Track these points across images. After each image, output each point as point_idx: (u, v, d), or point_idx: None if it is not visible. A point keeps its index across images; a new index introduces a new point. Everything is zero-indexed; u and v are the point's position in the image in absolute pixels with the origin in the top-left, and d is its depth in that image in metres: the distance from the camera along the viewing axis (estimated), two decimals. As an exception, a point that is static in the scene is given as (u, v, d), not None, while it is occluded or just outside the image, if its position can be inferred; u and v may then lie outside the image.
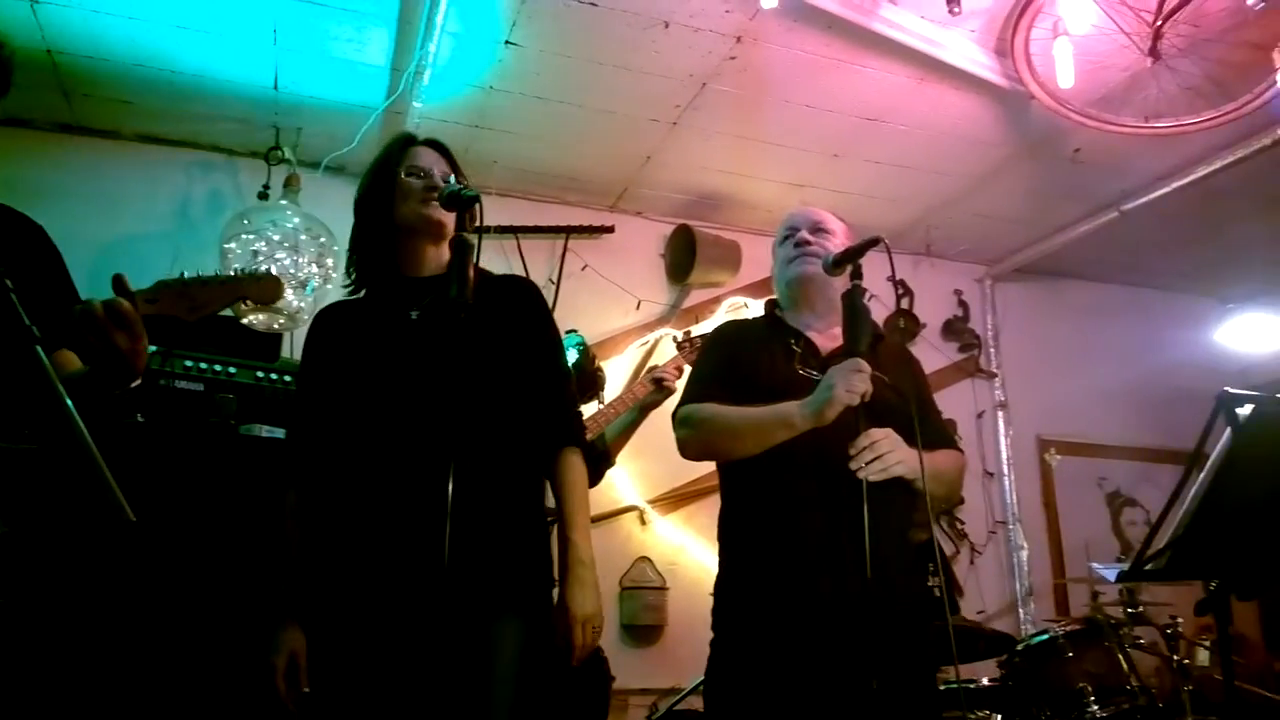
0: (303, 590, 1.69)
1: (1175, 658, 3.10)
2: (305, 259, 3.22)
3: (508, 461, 1.74)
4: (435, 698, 1.51)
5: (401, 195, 1.83)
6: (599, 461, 2.90)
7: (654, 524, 3.94)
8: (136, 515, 1.09)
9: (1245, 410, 1.33)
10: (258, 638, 1.67)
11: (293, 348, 3.36)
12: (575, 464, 1.82)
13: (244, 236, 3.22)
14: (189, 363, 2.70)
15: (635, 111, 3.43)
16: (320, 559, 1.69)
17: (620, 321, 4.09)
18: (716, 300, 4.24)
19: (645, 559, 3.87)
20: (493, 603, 1.64)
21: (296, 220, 3.29)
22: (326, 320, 1.90)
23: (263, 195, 3.46)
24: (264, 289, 1.50)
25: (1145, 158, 3.67)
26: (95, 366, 1.41)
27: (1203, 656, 3.74)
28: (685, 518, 3.95)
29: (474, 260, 1.80)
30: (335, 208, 3.54)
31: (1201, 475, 1.38)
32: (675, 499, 3.91)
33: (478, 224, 1.93)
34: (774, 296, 2.19)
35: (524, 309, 1.91)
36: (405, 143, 1.92)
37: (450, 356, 1.61)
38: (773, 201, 4.05)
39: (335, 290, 3.37)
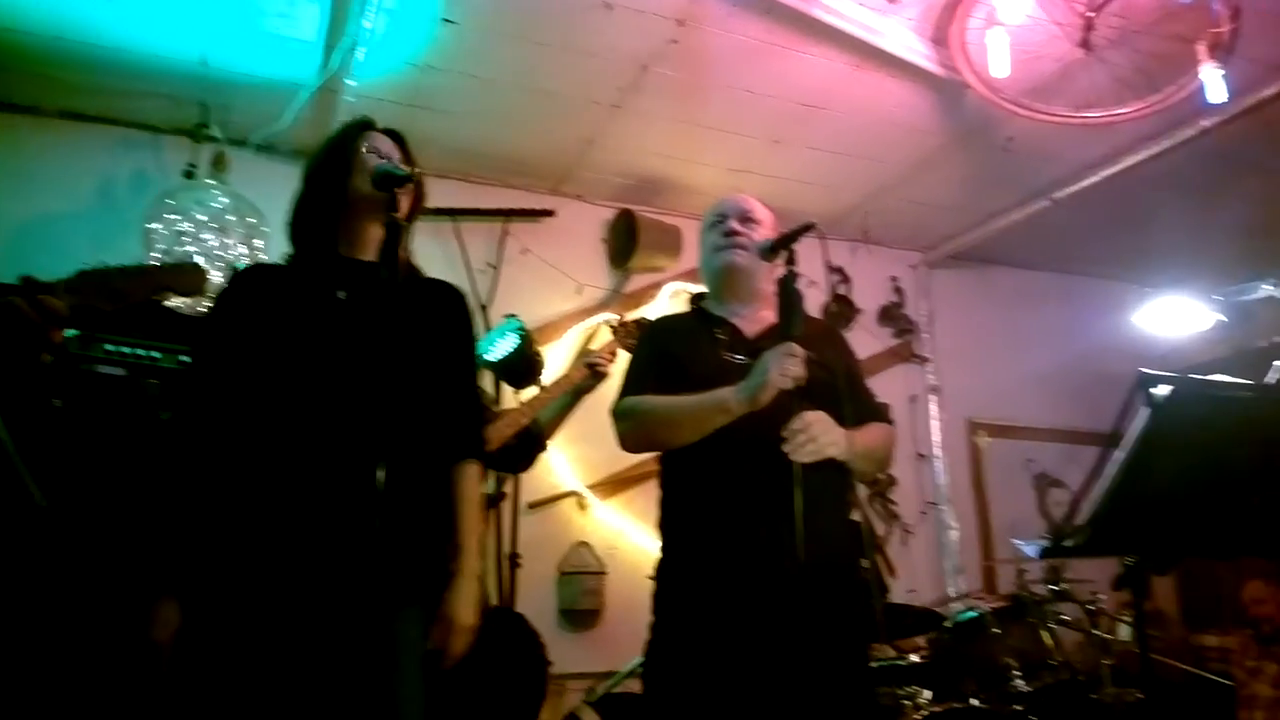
0: (193, 568, 1.62)
1: (1097, 633, 3.22)
2: (233, 240, 3.13)
3: (422, 456, 1.72)
4: (339, 688, 1.50)
5: (358, 168, 1.79)
6: (532, 445, 2.89)
7: (593, 509, 3.95)
8: (49, 501, 1.05)
9: (1161, 391, 1.37)
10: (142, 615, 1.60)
11: (221, 331, 3.27)
12: (473, 476, 1.83)
13: (169, 217, 3.12)
14: (110, 347, 2.60)
15: (576, 93, 3.40)
16: (223, 533, 1.62)
17: (561, 306, 4.07)
18: (658, 285, 4.24)
19: (584, 544, 3.87)
20: (399, 594, 1.61)
21: (224, 200, 3.19)
22: (246, 283, 1.81)
23: (189, 174, 3.36)
24: (187, 280, 1.46)
25: (1075, 147, 3.77)
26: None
27: (1124, 632, 3.88)
28: (624, 502, 3.96)
29: (406, 245, 1.78)
30: (265, 187, 3.46)
31: (1119, 454, 1.42)
32: (614, 484, 3.91)
33: (413, 206, 1.92)
34: (699, 291, 2.21)
35: (448, 315, 1.89)
36: (365, 125, 1.90)
37: (376, 342, 1.58)
38: (714, 187, 4.05)
39: (266, 272, 3.29)
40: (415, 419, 1.70)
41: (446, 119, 3.51)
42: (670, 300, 4.22)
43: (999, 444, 4.72)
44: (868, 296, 4.70)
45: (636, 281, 4.23)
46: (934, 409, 4.70)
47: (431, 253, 3.70)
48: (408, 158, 1.88)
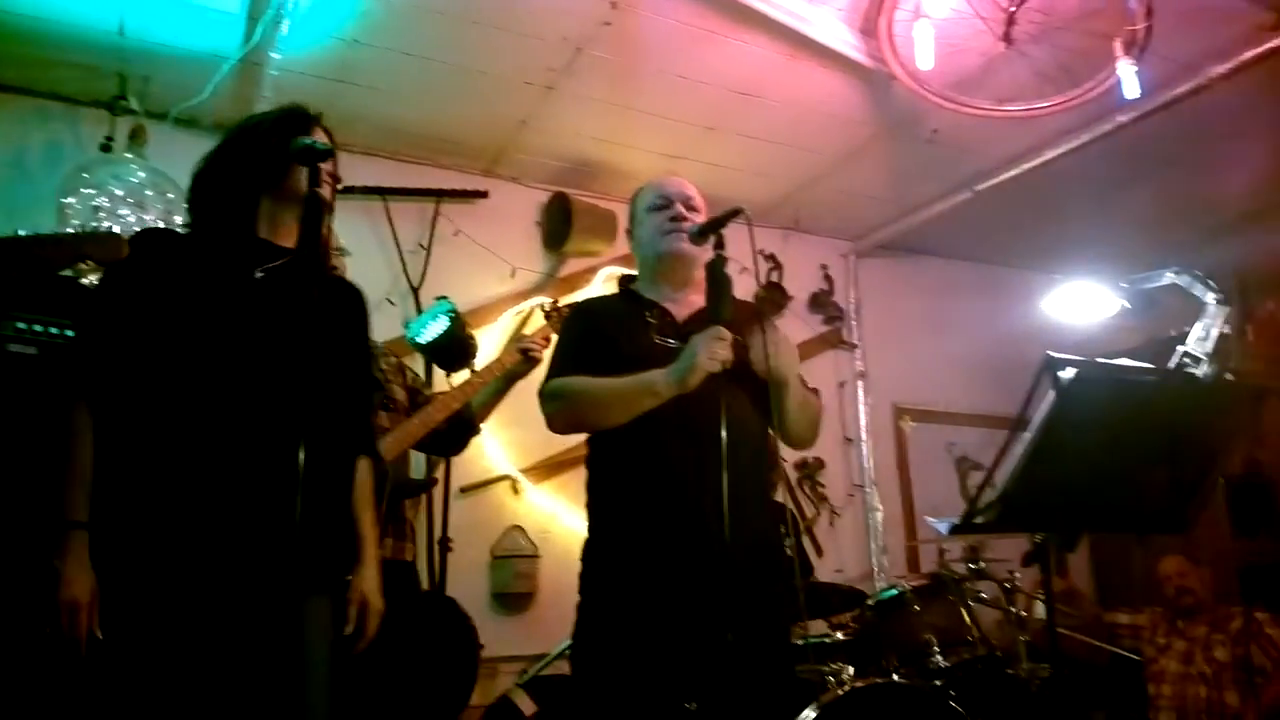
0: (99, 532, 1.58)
1: (1013, 610, 3.35)
2: (151, 216, 3.03)
3: (332, 445, 1.72)
4: (249, 674, 1.50)
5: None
6: (465, 429, 2.87)
7: (526, 492, 3.94)
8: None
9: (1067, 373, 1.44)
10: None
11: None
12: (366, 470, 1.89)
13: (84, 191, 3.01)
14: (22, 325, 2.50)
15: (509, 73, 3.36)
16: (130, 517, 1.58)
17: (495, 289, 4.04)
18: (593, 270, 4.24)
19: (517, 527, 3.87)
20: (310, 581, 1.61)
21: (142, 175, 3.09)
22: (149, 247, 1.74)
23: (105, 147, 3.23)
24: (106, 248, 1.41)
25: (997, 140, 3.87)
26: None
27: (1040, 609, 4.04)
28: (558, 486, 3.96)
29: (328, 224, 1.76)
30: (185, 162, 3.29)
31: (1027, 434, 1.48)
32: (548, 467, 3.91)
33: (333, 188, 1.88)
34: (629, 274, 2.22)
35: (350, 311, 1.90)
36: (310, 119, 1.82)
37: (295, 324, 1.56)
38: (649, 172, 3.99)
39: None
40: (327, 408, 1.69)
41: (374, 95, 3.44)
42: (605, 285, 4.23)
43: (922, 428, 4.85)
44: (798, 284, 4.77)
45: (571, 265, 4.22)
46: (861, 394, 4.81)
47: (362, 232, 3.64)
48: (330, 141, 1.84)
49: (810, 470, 4.57)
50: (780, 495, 4.32)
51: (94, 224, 3.00)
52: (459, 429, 2.84)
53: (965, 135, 3.83)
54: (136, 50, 3.14)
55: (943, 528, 1.47)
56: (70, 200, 2.99)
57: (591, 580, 1.95)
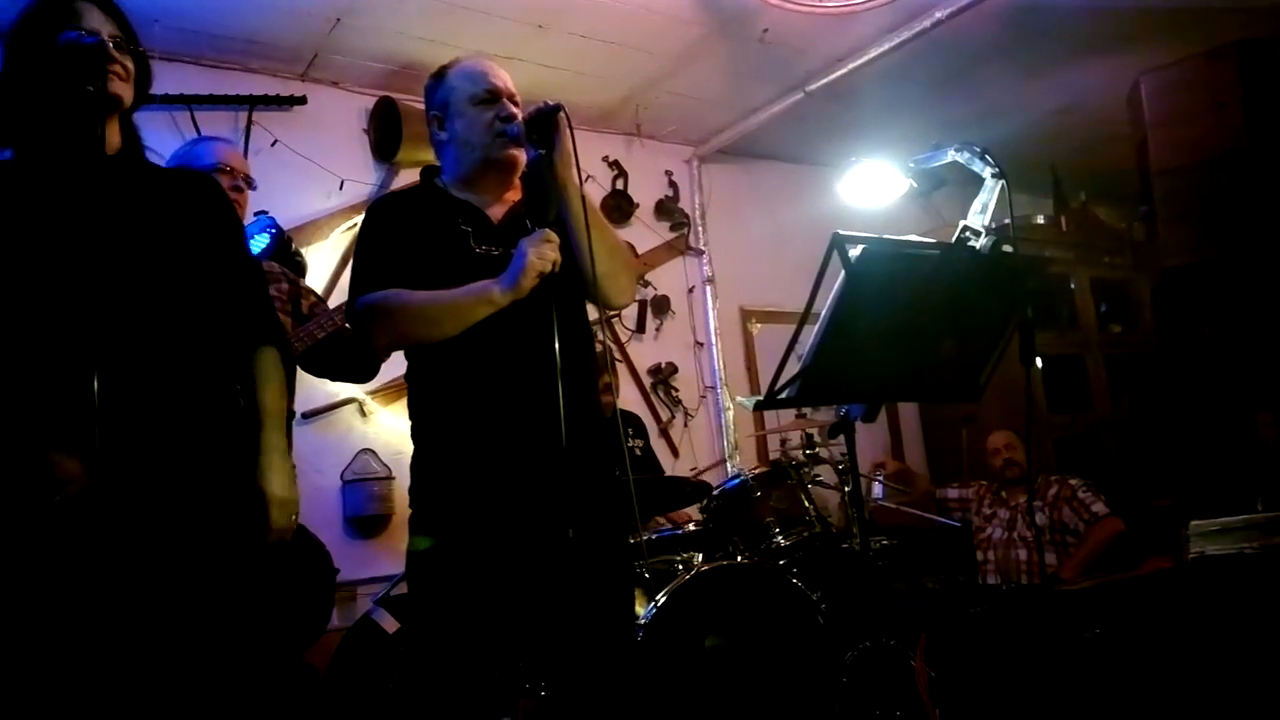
0: None
1: (847, 490, 3.56)
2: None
3: (177, 351, 1.62)
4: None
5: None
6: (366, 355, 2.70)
7: (376, 415, 3.86)
8: None
9: (855, 250, 1.50)
10: None
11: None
12: (272, 359, 1.80)
13: None
14: None
15: (316, -35, 3.15)
16: None
17: (322, 204, 3.85)
18: (428, 180, 4.10)
19: (369, 450, 3.80)
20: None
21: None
22: None
23: None
24: None
25: (826, 39, 3.93)
26: None
27: (876, 491, 4.32)
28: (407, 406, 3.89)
29: (131, 130, 1.63)
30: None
31: (823, 311, 1.54)
32: (396, 390, 3.83)
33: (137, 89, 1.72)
34: (431, 165, 2.06)
35: (203, 203, 1.76)
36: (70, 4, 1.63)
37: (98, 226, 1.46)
38: (480, 76, 3.92)
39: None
40: (164, 310, 1.59)
41: (171, -7, 3.16)
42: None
43: (768, 329, 5.02)
44: (644, 190, 4.77)
45: (405, 176, 4.06)
46: (709, 299, 4.90)
47: (169, 144, 3.37)
48: (129, 37, 1.67)
49: (664, 375, 4.67)
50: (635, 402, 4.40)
51: None
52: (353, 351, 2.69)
53: (795, 35, 3.86)
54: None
55: (749, 405, 1.52)
56: None
57: (423, 494, 1.90)
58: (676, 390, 4.71)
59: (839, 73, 4.10)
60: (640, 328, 4.66)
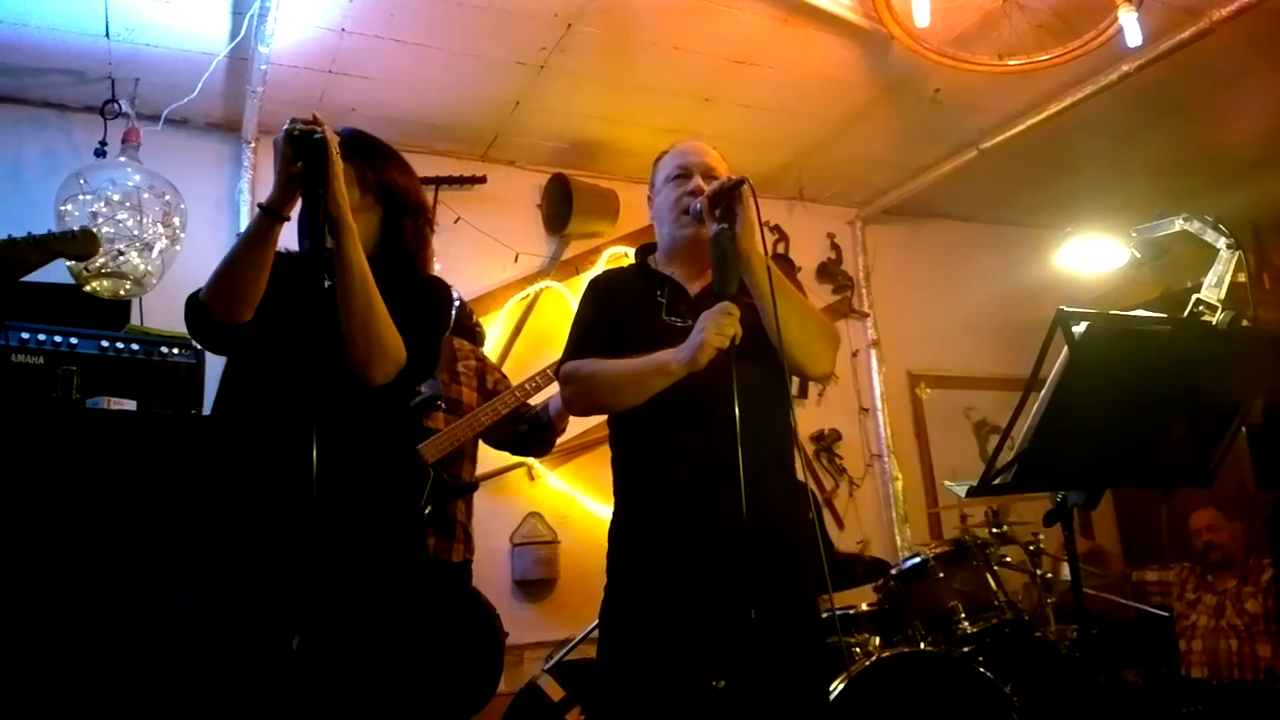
0: None
1: (1039, 572, 3.31)
2: (149, 219, 3.01)
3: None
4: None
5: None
6: (543, 430, 2.92)
7: (543, 479, 3.93)
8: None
9: (1080, 327, 1.39)
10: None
11: (141, 315, 3.16)
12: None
13: (81, 198, 3.00)
14: (25, 335, 2.50)
15: (500, 55, 3.32)
16: None
17: (498, 276, 4.01)
18: (597, 250, 4.20)
19: (535, 514, 3.86)
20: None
21: (138, 178, 3.07)
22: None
23: (100, 153, 3.22)
24: (79, 245, 1.40)
25: (1001, 96, 3.80)
26: None
27: (1066, 571, 4.00)
28: (574, 471, 3.95)
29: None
30: (179, 163, 3.35)
31: (1043, 392, 1.44)
32: (563, 453, 3.89)
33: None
34: (648, 243, 2.14)
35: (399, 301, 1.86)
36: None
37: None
38: (647, 148, 3.92)
39: (187, 251, 3.18)
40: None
41: (366, 84, 3.41)
42: (608, 266, 4.19)
43: (939, 394, 4.80)
44: (806, 254, 4.71)
45: (575, 248, 4.19)
46: (874, 363, 4.75)
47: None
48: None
49: (827, 442, 4.54)
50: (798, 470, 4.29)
51: (93, 230, 2.98)
52: (537, 430, 2.90)
53: (968, 93, 3.75)
54: (124, 52, 3.12)
55: (961, 491, 1.43)
56: (68, 207, 2.98)
57: (615, 562, 1.93)
58: (840, 458, 4.56)
59: (1015, 130, 3.95)
60: (803, 393, 4.56)
